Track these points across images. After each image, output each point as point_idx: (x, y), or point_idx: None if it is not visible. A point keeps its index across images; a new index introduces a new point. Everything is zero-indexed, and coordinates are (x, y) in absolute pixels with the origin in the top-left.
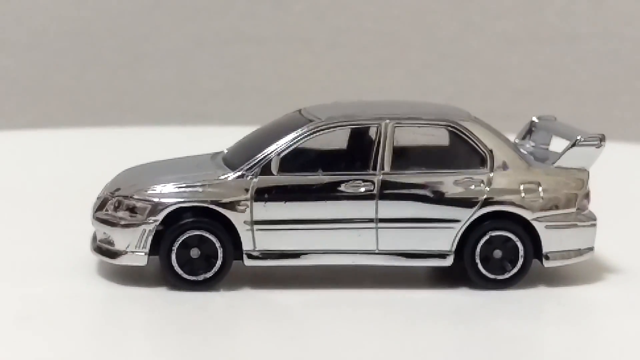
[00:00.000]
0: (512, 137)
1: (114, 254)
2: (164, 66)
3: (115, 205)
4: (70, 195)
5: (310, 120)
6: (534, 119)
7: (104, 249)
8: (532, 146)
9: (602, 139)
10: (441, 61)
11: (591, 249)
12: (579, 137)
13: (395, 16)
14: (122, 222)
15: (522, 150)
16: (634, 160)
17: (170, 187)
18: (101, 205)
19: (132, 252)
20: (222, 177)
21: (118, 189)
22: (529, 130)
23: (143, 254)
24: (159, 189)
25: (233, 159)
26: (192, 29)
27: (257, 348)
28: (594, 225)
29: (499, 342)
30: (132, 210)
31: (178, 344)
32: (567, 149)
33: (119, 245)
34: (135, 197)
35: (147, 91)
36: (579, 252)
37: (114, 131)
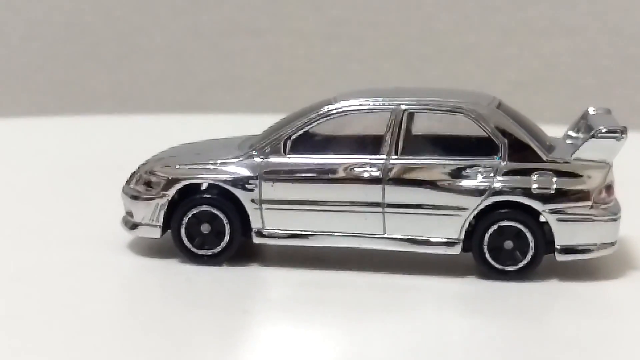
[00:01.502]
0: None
1: (132, 226)
2: (161, 57)
3: (137, 179)
4: (68, 179)
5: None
6: (589, 110)
7: (126, 221)
8: (579, 137)
9: (623, 131)
10: (438, 53)
11: (611, 244)
12: (599, 129)
13: (393, 8)
14: (140, 195)
15: (568, 141)
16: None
17: (185, 164)
18: (130, 178)
19: (147, 224)
20: (235, 157)
21: (146, 163)
22: (581, 121)
23: (157, 227)
24: (176, 165)
25: (255, 141)
26: (189, 20)
27: (248, 324)
28: (613, 220)
29: (478, 335)
30: (148, 184)
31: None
32: (586, 140)
33: (136, 218)
34: (153, 171)
35: (143, 82)
36: (595, 247)
37: (109, 119)
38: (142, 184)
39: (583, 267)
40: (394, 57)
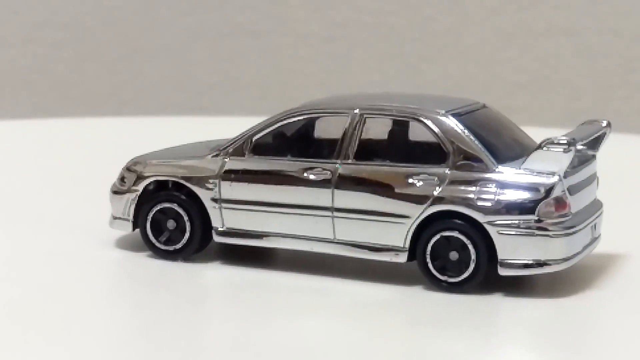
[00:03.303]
0: None
1: (111, 219)
2: (162, 59)
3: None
4: (67, 179)
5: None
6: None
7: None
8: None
9: (571, 143)
10: (438, 55)
11: (562, 260)
12: (546, 139)
13: (392, 10)
14: (116, 190)
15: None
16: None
17: (156, 162)
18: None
19: (120, 218)
20: (201, 156)
21: (131, 160)
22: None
23: (128, 221)
24: (147, 162)
25: (223, 142)
26: (189, 22)
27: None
28: (565, 235)
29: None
30: (122, 179)
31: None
32: (534, 150)
33: (113, 212)
34: (128, 167)
35: (144, 84)
36: (540, 263)
37: (110, 121)
38: (119, 179)
39: (541, 282)
40: (394, 58)
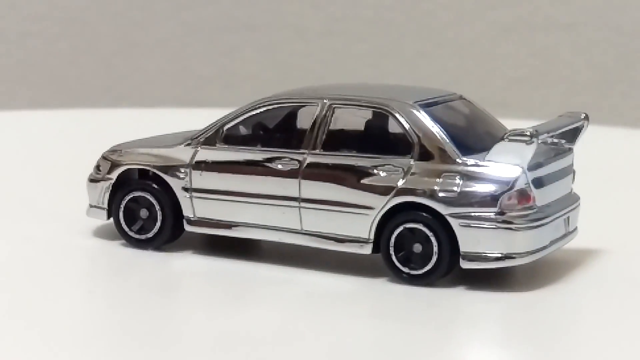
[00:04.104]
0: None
1: (88, 208)
2: (158, 52)
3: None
4: (63, 169)
5: None
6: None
7: None
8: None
9: (533, 135)
10: (436, 49)
11: (527, 254)
12: (508, 131)
13: (390, 4)
14: (92, 179)
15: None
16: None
17: (130, 151)
18: None
19: (95, 207)
20: (173, 146)
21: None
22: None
23: (103, 209)
24: (122, 151)
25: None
26: (186, 16)
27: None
28: (524, 229)
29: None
30: (98, 168)
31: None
32: (497, 142)
33: (89, 200)
34: (103, 156)
35: (141, 77)
36: (502, 256)
37: (107, 113)
38: (95, 167)
39: (508, 275)
40: (392, 53)
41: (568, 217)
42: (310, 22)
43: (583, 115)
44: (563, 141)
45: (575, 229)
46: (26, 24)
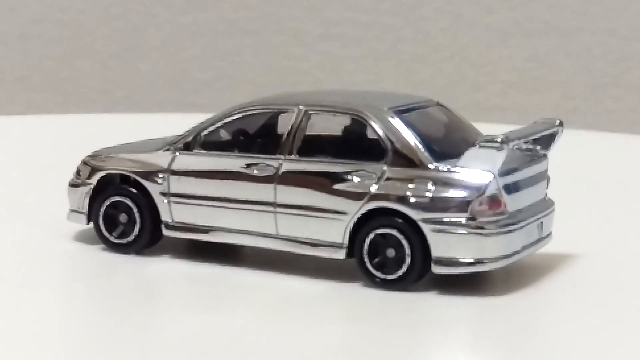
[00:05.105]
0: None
1: (68, 212)
2: (156, 56)
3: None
4: (54, 175)
5: None
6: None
7: None
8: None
9: (504, 141)
10: (432, 54)
11: (498, 259)
12: (480, 138)
13: (387, 9)
14: (73, 183)
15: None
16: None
17: (111, 156)
18: None
19: (75, 211)
20: (152, 151)
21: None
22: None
23: (83, 214)
24: (102, 156)
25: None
26: (184, 20)
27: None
28: (495, 234)
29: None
30: (78, 172)
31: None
32: (468, 148)
33: (70, 204)
34: (84, 161)
35: (138, 81)
36: (473, 261)
37: (104, 117)
38: (75, 172)
39: (481, 281)
40: (388, 57)
41: (542, 223)
42: (307, 26)
43: (557, 122)
44: (538, 147)
45: (550, 234)
46: (23, 27)
